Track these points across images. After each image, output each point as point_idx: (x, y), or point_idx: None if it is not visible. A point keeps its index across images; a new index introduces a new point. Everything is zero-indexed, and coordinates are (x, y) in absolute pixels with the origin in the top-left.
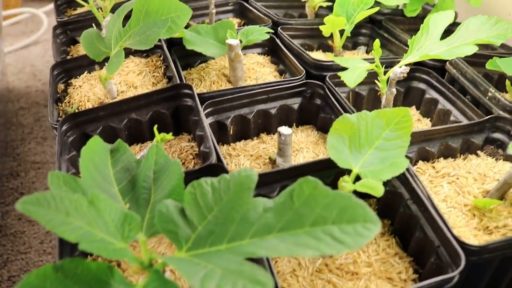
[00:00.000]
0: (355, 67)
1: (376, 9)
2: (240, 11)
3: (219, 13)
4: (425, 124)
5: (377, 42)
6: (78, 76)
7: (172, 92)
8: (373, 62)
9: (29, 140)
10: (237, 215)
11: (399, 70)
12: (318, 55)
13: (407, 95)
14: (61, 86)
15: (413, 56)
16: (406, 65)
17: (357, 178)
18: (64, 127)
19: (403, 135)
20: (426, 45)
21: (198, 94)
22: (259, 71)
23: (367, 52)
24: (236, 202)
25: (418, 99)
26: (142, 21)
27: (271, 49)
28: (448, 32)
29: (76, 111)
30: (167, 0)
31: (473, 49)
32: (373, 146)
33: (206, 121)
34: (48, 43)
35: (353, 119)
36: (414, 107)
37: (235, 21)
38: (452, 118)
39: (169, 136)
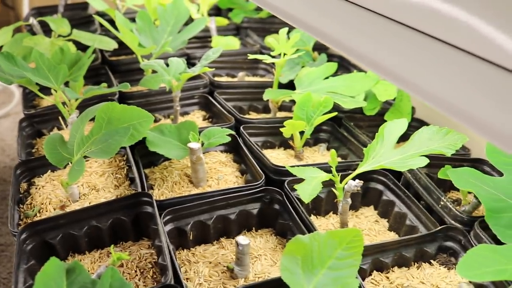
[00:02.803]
0: (310, 178)
1: (334, 114)
2: (205, 104)
3: (184, 105)
4: (382, 226)
5: (333, 153)
6: (41, 175)
7: (132, 200)
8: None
9: None
10: None
11: (353, 183)
12: (279, 154)
13: (366, 195)
14: (23, 186)
15: (368, 164)
16: (360, 174)
17: None
18: (23, 235)
19: (354, 254)
20: (381, 153)
21: (158, 201)
22: (220, 170)
23: (328, 149)
24: None
25: (376, 199)
26: (104, 128)
27: (233, 147)
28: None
29: (37, 214)
30: (129, 108)
31: (424, 161)
32: (325, 266)
33: (165, 231)
34: (19, 116)
35: (305, 240)
36: (372, 207)
37: (200, 114)
38: (407, 222)
39: (126, 256)
